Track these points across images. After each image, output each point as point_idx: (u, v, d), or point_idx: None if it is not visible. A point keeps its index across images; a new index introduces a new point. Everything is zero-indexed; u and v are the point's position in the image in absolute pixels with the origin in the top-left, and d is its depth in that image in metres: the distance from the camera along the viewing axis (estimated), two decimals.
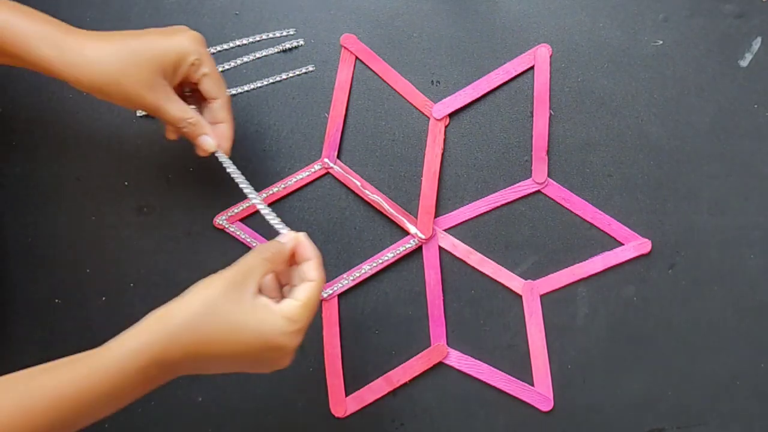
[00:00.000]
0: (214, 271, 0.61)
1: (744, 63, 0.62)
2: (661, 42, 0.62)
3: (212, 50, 0.62)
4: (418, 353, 0.61)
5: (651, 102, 0.62)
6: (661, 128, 0.62)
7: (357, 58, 0.62)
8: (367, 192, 0.61)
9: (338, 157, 0.61)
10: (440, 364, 0.61)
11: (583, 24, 0.62)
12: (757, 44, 0.62)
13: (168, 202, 0.61)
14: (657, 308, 0.61)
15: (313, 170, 0.61)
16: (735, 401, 0.61)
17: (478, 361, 0.61)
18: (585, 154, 0.62)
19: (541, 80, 0.62)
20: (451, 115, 0.62)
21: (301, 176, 0.61)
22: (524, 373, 0.61)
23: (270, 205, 0.61)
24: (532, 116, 0.62)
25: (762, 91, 0.62)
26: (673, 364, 0.61)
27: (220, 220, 0.61)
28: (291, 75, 0.61)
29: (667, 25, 0.62)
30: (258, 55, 0.62)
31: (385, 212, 0.61)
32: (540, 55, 0.62)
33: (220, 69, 0.62)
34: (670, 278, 0.61)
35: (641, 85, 0.62)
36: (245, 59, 0.62)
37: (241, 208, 0.61)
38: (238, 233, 0.61)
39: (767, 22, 0.62)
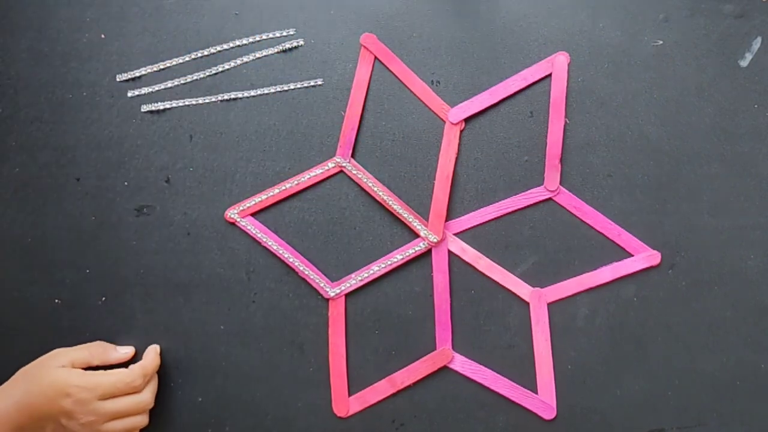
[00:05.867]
0: (214, 270, 0.61)
1: (744, 63, 0.62)
2: (661, 42, 0.62)
3: (212, 50, 0.62)
4: (422, 355, 0.61)
5: (651, 102, 0.62)
6: (661, 128, 0.62)
7: (376, 57, 0.62)
8: (379, 192, 0.61)
9: (352, 156, 0.61)
10: (443, 368, 0.61)
11: (583, 24, 0.62)
12: (757, 44, 0.62)
13: (168, 202, 0.61)
14: (657, 308, 0.61)
15: (326, 168, 0.61)
16: (735, 401, 0.61)
17: (483, 367, 0.60)
18: (585, 154, 0.62)
19: (558, 88, 0.61)
20: (466, 120, 0.62)
21: (314, 173, 0.61)
22: (528, 379, 0.61)
23: (282, 200, 0.61)
24: (547, 123, 0.62)
25: (762, 91, 0.62)
26: (673, 364, 0.61)
27: (232, 213, 0.61)
28: (298, 86, 0.61)
29: (667, 25, 0.62)
30: (258, 56, 0.62)
31: (395, 213, 0.61)
32: (558, 63, 0.61)
33: (220, 69, 0.62)
34: (670, 278, 0.61)
35: (641, 85, 0.62)
36: (245, 59, 0.62)
37: (253, 202, 0.61)
38: (248, 227, 0.61)
39: (767, 22, 0.62)
